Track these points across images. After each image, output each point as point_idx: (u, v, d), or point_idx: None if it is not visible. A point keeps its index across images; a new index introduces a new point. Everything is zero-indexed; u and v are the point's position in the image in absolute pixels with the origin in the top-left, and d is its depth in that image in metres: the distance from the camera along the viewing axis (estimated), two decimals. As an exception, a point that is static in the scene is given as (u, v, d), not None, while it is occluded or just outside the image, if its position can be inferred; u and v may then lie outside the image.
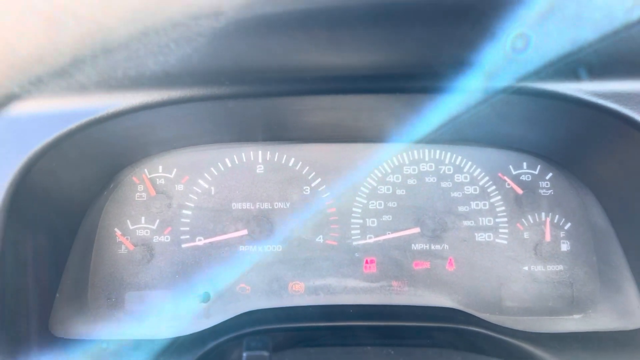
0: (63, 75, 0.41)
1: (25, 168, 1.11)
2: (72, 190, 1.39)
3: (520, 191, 1.55)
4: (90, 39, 0.38)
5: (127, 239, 1.53)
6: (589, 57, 1.03)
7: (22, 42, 0.37)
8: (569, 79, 1.11)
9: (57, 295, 1.36)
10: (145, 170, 1.56)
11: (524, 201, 1.54)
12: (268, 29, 0.44)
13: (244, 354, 0.93)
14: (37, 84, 0.40)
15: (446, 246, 1.55)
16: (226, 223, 1.55)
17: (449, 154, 1.57)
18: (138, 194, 1.55)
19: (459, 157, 1.57)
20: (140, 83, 1.10)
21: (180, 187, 1.56)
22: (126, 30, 0.41)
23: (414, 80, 1.06)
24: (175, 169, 1.56)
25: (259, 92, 1.18)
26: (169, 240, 1.54)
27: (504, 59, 0.95)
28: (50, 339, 1.31)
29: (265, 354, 0.93)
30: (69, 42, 0.38)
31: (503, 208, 1.56)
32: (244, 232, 1.53)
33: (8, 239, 1.12)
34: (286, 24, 0.44)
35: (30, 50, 0.37)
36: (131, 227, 1.54)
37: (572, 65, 1.00)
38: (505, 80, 1.13)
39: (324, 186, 1.57)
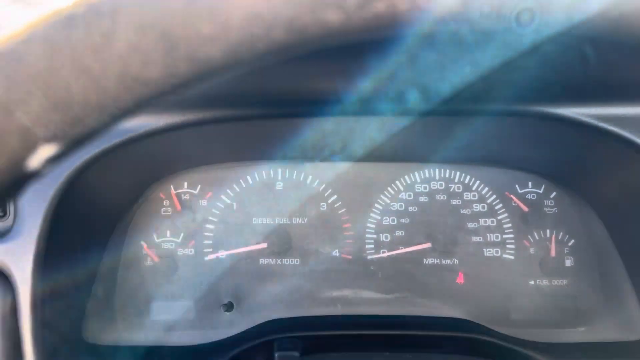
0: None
1: (68, 182, 1.20)
2: (105, 205, 1.48)
3: (526, 209, 1.63)
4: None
5: (152, 251, 1.61)
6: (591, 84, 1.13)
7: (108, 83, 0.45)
8: (571, 103, 1.21)
9: (89, 302, 1.43)
10: (172, 186, 1.64)
11: (529, 218, 1.62)
12: (307, 58, 0.52)
13: (276, 354, 1.01)
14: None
15: (456, 261, 1.63)
16: (247, 237, 1.63)
17: (458, 173, 1.66)
18: (164, 209, 1.63)
19: (468, 176, 1.65)
20: (180, 104, 1.20)
21: (204, 203, 1.64)
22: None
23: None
24: (199, 185, 1.65)
25: (284, 114, 1.27)
26: (192, 252, 1.62)
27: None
28: (83, 344, 1.38)
29: (296, 354, 1.00)
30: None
31: (510, 225, 1.63)
32: (264, 245, 1.61)
33: (49, 246, 1.21)
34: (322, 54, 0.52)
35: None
36: (157, 240, 1.62)
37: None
38: (510, 103, 1.23)
39: (340, 203, 1.65)
